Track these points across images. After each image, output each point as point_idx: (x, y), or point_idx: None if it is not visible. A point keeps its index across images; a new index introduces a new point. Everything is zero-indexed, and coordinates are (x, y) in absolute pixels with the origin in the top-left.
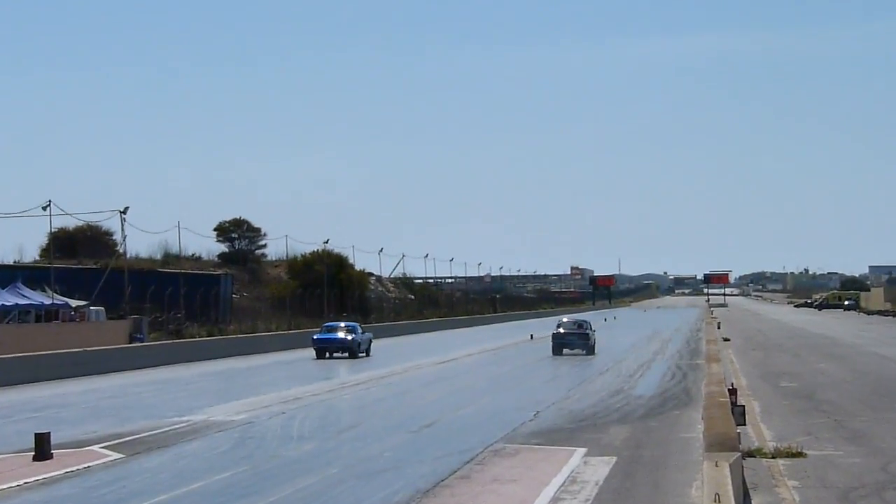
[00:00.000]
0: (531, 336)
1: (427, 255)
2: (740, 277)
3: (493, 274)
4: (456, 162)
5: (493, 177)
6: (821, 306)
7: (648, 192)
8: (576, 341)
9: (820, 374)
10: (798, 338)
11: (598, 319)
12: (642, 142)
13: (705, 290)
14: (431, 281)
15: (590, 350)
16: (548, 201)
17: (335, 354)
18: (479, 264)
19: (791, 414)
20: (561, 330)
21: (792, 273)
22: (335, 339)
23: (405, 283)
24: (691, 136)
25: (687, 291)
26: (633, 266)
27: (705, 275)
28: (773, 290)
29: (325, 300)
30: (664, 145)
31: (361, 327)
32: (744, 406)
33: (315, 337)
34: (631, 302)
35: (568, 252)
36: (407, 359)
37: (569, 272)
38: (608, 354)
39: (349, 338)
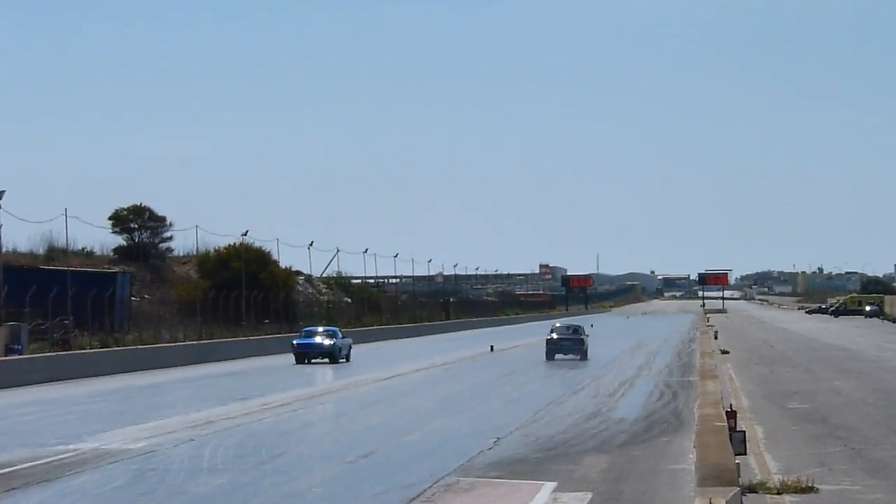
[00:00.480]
0: (491, 348)
1: (366, 251)
2: (742, 278)
3: (445, 273)
4: (402, 142)
5: (447, 159)
6: (837, 312)
7: (633, 179)
8: (570, 346)
9: (836, 393)
10: (810, 350)
11: None
12: (626, 120)
13: (700, 293)
14: (372, 281)
15: (584, 355)
16: (513, 188)
17: (314, 360)
18: (430, 261)
19: (801, 441)
20: (554, 335)
21: (803, 273)
22: (316, 344)
23: (340, 283)
24: (684, 113)
25: (678, 294)
26: (615, 264)
27: (700, 275)
28: (781, 294)
29: (244, 304)
30: (652, 124)
31: (341, 332)
32: (744, 432)
33: (295, 342)
34: (611, 307)
35: (537, 248)
36: (342, 375)
37: (537, 271)
38: (583, 370)
39: (330, 343)
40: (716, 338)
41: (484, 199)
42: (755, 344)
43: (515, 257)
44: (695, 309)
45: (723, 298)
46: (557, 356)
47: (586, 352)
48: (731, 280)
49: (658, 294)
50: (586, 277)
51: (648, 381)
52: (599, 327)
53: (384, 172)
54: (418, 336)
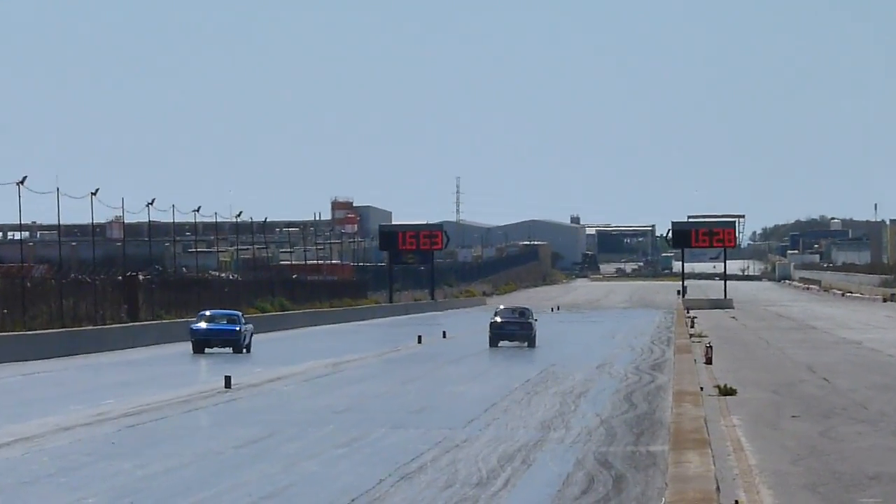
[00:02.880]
0: (226, 381)
1: None
2: (764, 234)
3: (128, 220)
4: None
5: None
6: None
7: (536, 47)
8: (516, 332)
9: None
10: None
11: (386, 344)
12: None
13: (672, 265)
14: None
15: (532, 342)
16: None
17: (212, 349)
18: (94, 194)
19: None
20: (498, 319)
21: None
22: (219, 329)
23: None
24: None
25: (631, 268)
26: (496, 208)
27: (675, 226)
28: (848, 267)
29: None
30: None
31: (243, 316)
32: None
33: (193, 327)
34: (487, 294)
35: (328, 174)
36: None
37: (328, 216)
38: (425, 427)
39: (236, 328)
40: (708, 361)
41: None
42: (791, 374)
43: (282, 191)
44: (664, 299)
45: (724, 277)
46: (502, 343)
47: (534, 338)
48: (743, 238)
49: (587, 265)
50: (434, 230)
51: (563, 454)
52: (458, 344)
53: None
54: (69, 356)
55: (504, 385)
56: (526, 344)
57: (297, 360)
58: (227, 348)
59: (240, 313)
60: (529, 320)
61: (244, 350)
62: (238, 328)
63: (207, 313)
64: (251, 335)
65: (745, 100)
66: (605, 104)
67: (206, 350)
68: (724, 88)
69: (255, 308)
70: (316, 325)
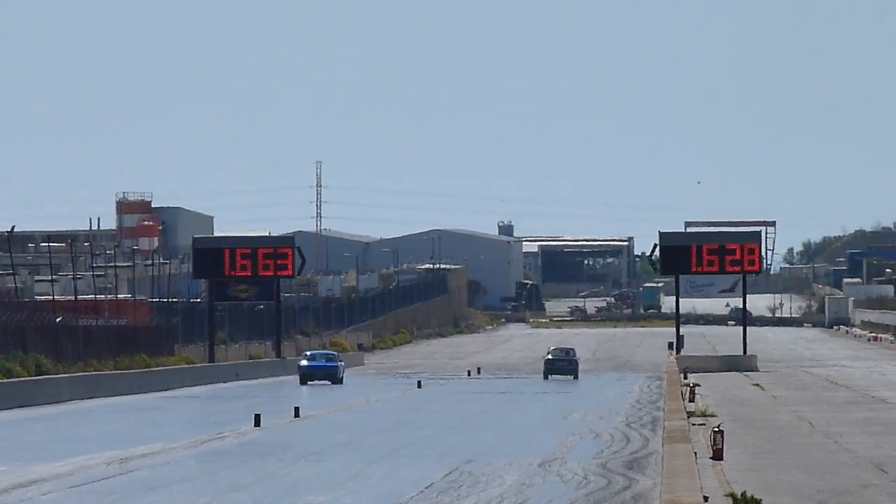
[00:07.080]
0: None
1: None
2: (806, 251)
3: None
4: None
5: None
6: None
7: None
8: (565, 367)
9: None
10: None
11: (204, 428)
12: None
13: (660, 301)
14: None
15: (576, 375)
16: None
17: (314, 382)
18: None
19: None
20: (550, 356)
21: None
22: (322, 366)
23: None
24: None
25: (594, 308)
26: (379, 211)
27: (662, 238)
28: None
29: None
30: None
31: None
32: None
33: (301, 364)
34: (366, 349)
35: (118, 160)
36: None
37: (113, 224)
38: None
39: (336, 365)
40: (717, 455)
41: None
42: (848, 476)
43: (41, 186)
44: (647, 356)
45: (744, 321)
46: (553, 376)
47: (578, 373)
48: (774, 258)
49: (525, 302)
50: (280, 246)
51: None
52: (316, 426)
53: None
54: None
55: (391, 493)
56: (572, 377)
57: (63, 452)
58: (326, 381)
59: (335, 353)
60: (575, 358)
61: (341, 382)
62: (336, 364)
63: (309, 353)
64: (344, 369)
65: (771, 56)
66: (552, 60)
67: (309, 383)
68: (737, 33)
69: None
70: (92, 398)
